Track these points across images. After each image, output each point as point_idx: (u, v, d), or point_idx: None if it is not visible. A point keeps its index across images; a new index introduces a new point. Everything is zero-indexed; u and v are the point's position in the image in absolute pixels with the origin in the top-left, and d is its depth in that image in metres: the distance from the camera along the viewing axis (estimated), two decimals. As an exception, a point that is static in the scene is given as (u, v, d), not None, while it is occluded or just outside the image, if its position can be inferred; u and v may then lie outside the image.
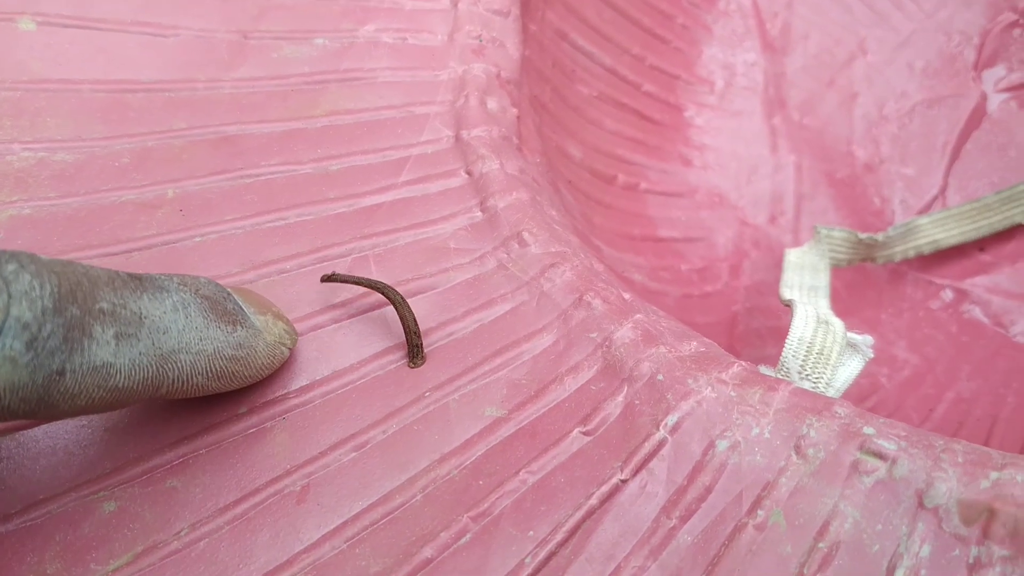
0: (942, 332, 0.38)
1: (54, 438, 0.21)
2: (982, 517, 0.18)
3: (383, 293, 0.23)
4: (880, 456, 0.20)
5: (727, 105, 0.43)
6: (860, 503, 0.19)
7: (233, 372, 0.20)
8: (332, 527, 0.20)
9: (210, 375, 0.20)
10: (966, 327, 0.38)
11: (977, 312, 0.38)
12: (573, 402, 0.22)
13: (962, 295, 0.39)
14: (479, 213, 0.26)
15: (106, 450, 0.21)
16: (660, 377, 0.22)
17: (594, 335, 0.23)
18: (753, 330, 0.37)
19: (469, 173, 0.27)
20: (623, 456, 0.21)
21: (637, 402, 0.21)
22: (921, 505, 0.19)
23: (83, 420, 0.21)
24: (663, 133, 0.42)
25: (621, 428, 0.21)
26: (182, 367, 0.19)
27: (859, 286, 0.40)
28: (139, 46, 0.28)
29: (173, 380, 0.19)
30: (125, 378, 0.17)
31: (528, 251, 0.25)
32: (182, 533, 0.20)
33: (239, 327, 0.20)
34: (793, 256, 0.32)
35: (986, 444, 0.33)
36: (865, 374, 0.35)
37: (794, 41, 0.44)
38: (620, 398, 0.22)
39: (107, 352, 0.17)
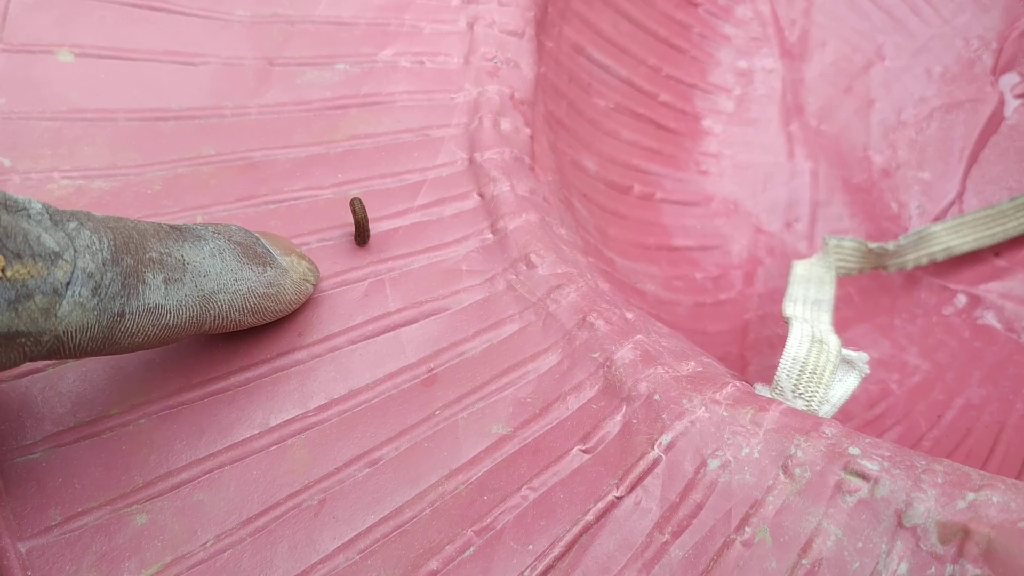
0: (955, 338, 0.38)
1: (92, 451, 0.22)
2: (958, 536, 0.19)
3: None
4: (863, 476, 0.21)
5: (744, 113, 0.44)
6: (843, 521, 0.20)
7: (265, 308, 0.23)
8: (346, 539, 0.21)
9: (246, 311, 0.22)
10: (979, 333, 0.38)
11: (990, 317, 0.38)
12: (574, 420, 0.23)
13: (976, 300, 0.39)
14: (490, 235, 0.27)
15: (138, 465, 0.22)
16: (657, 397, 0.23)
17: (596, 355, 0.24)
18: (764, 338, 0.38)
19: (481, 195, 0.28)
20: (619, 473, 0.22)
21: (634, 421, 0.23)
22: (900, 524, 0.20)
23: (116, 435, 0.23)
24: (679, 142, 0.42)
25: (618, 446, 0.22)
26: (222, 305, 0.22)
27: (873, 292, 0.40)
28: (170, 75, 0.30)
29: (215, 317, 0.21)
30: (175, 317, 0.20)
31: (536, 273, 0.26)
32: (208, 544, 0.21)
33: (268, 267, 0.23)
34: (800, 269, 0.33)
35: (992, 450, 0.33)
36: (875, 380, 0.36)
37: (812, 48, 0.45)
38: (619, 417, 0.23)
39: (158, 295, 0.20)
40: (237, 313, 0.22)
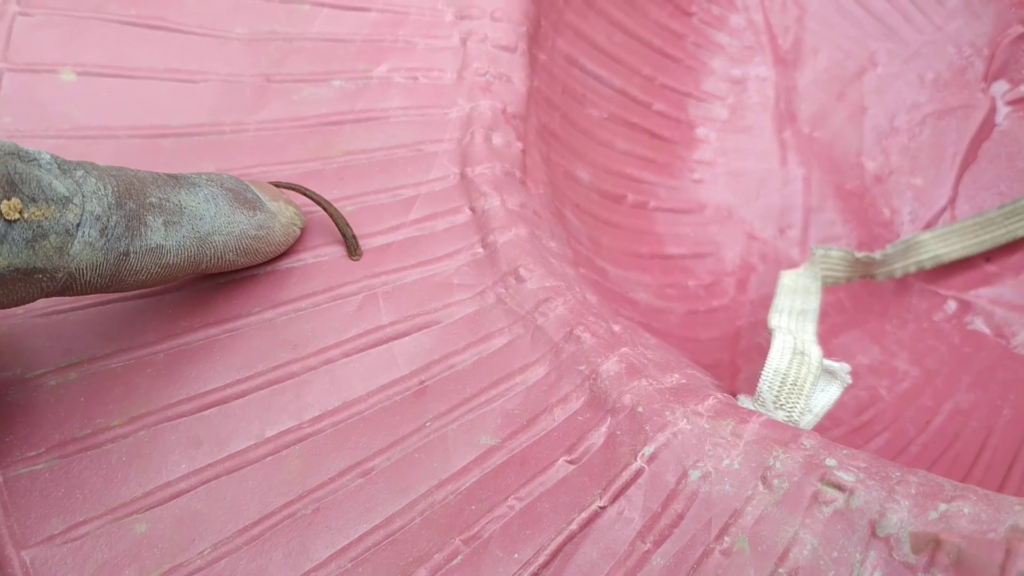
0: (944, 343, 0.39)
1: (93, 462, 0.23)
2: (929, 547, 0.20)
3: (313, 199, 0.27)
4: (839, 487, 0.21)
5: (738, 120, 0.45)
6: (819, 531, 0.21)
7: (257, 249, 0.25)
8: (339, 548, 0.22)
9: (239, 252, 0.24)
10: (968, 338, 0.39)
11: (980, 323, 0.39)
12: (561, 432, 0.24)
13: (966, 306, 0.39)
14: (481, 249, 0.28)
15: (138, 475, 0.23)
16: (640, 409, 0.24)
17: (582, 368, 0.25)
18: (755, 344, 0.39)
19: (472, 210, 0.29)
20: (603, 484, 0.23)
21: (619, 433, 0.23)
22: (874, 534, 0.20)
23: (117, 447, 0.23)
24: (673, 151, 0.43)
25: (603, 457, 0.23)
26: (216, 246, 0.23)
27: (864, 298, 0.41)
28: (170, 92, 0.30)
29: (211, 257, 0.23)
30: (174, 256, 0.22)
31: (524, 286, 0.27)
32: (205, 552, 0.22)
33: (258, 211, 0.25)
34: (787, 279, 0.33)
35: (979, 456, 0.34)
36: (864, 386, 0.37)
37: (805, 55, 0.45)
38: (603, 428, 0.24)
39: (159, 236, 0.22)
40: (231, 253, 0.24)
